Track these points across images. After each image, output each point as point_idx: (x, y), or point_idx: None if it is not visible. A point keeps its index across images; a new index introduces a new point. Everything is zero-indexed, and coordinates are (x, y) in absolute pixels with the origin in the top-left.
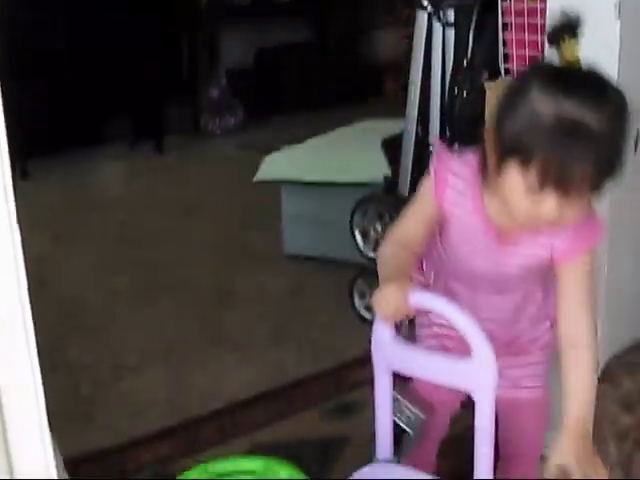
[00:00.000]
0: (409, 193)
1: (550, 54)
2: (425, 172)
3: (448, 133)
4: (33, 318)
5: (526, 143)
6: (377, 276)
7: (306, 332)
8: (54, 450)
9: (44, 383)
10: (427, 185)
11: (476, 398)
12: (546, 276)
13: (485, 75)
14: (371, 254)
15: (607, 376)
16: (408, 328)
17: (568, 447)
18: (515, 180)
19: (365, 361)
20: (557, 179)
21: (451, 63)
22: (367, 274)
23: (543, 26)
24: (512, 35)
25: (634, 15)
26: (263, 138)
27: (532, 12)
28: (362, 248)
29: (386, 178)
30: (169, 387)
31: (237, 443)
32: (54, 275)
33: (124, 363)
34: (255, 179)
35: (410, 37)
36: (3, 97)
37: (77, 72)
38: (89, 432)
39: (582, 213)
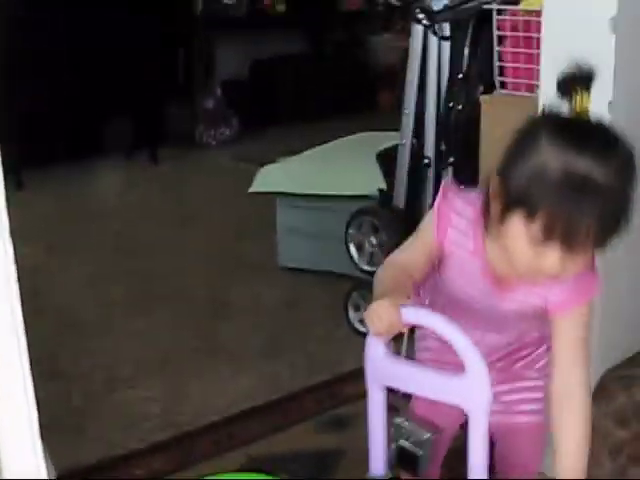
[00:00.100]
0: (404, 206)
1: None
2: (421, 189)
3: (443, 146)
4: (26, 328)
5: (532, 196)
6: (372, 290)
7: (301, 344)
8: (46, 459)
9: (37, 393)
10: (429, 220)
11: (470, 414)
12: (543, 319)
13: (480, 89)
14: (366, 267)
15: (601, 390)
16: (408, 343)
17: None
18: (518, 231)
19: (360, 374)
20: (562, 234)
21: (446, 76)
22: (362, 287)
23: (538, 40)
24: (507, 48)
25: (629, 30)
26: (258, 149)
27: (527, 26)
28: (357, 261)
29: (381, 191)
30: (163, 399)
31: (232, 456)
32: (48, 285)
33: (118, 374)
34: (250, 190)
35: (406, 49)
36: None
37: (73, 84)
38: (81, 444)
39: (583, 266)
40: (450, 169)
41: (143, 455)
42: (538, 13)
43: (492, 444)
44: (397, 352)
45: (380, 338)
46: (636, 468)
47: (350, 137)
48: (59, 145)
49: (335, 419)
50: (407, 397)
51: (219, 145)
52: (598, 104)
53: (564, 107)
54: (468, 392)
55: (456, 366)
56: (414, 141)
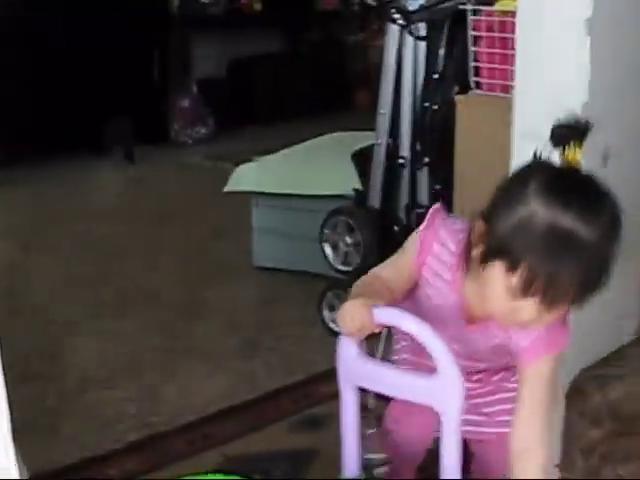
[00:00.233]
0: (380, 206)
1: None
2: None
3: (419, 146)
4: (0, 328)
5: (516, 248)
6: (347, 290)
7: (276, 344)
8: (18, 461)
9: (10, 394)
10: (412, 244)
11: (442, 415)
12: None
13: (456, 89)
14: (341, 267)
15: (575, 390)
16: (385, 344)
17: None
18: (498, 279)
19: (335, 374)
20: (542, 289)
21: (422, 76)
22: (337, 287)
23: (514, 40)
24: (483, 49)
25: (605, 31)
26: (234, 148)
27: (503, 26)
28: (332, 261)
29: (356, 190)
30: (138, 399)
31: (207, 456)
32: (24, 285)
33: (93, 375)
34: (225, 189)
35: (382, 49)
36: None
37: (47, 83)
38: (55, 445)
39: (557, 318)
40: (425, 169)
41: (118, 455)
42: (513, 14)
43: (470, 454)
44: (372, 352)
45: (352, 338)
46: (609, 468)
47: (326, 137)
48: (35, 144)
49: (309, 419)
50: (381, 398)
51: (195, 144)
52: (573, 105)
53: (554, 155)
54: (441, 393)
55: (432, 368)
56: (390, 141)
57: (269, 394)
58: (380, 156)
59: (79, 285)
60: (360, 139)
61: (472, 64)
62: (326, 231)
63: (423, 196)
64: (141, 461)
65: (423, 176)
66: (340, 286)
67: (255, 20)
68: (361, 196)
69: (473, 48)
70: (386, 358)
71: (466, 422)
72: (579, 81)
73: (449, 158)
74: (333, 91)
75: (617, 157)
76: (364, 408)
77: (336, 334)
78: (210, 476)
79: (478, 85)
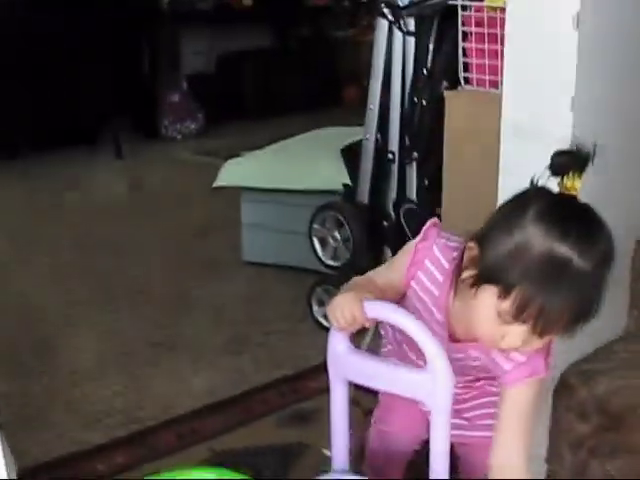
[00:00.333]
0: (368, 201)
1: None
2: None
3: (408, 142)
4: None
5: (510, 274)
6: (336, 285)
7: (265, 339)
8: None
9: None
10: (405, 256)
11: (431, 408)
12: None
13: (445, 84)
14: (330, 262)
15: (563, 385)
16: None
17: None
18: (488, 303)
19: (324, 369)
20: (535, 316)
21: (411, 72)
22: (326, 282)
23: (503, 36)
24: (472, 44)
25: (592, 26)
26: (223, 144)
27: (492, 22)
28: (321, 256)
29: (345, 186)
30: (126, 394)
31: (195, 451)
32: (10, 279)
33: (80, 369)
34: (214, 185)
35: (372, 45)
36: None
37: (34, 74)
38: (43, 440)
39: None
40: (414, 164)
41: (106, 450)
42: (502, 9)
43: (456, 457)
44: (358, 346)
45: (343, 332)
46: (597, 462)
47: (315, 132)
48: (23, 139)
49: (298, 414)
50: (370, 392)
51: (185, 139)
52: (561, 101)
53: (552, 182)
54: (430, 387)
55: (417, 366)
56: (378, 136)
57: (257, 389)
58: (369, 151)
59: (68, 280)
60: (349, 134)
61: (461, 60)
62: (315, 226)
63: (412, 191)
64: (129, 455)
65: (412, 171)
66: (329, 281)
67: (244, 16)
68: (350, 191)
69: (462, 44)
70: (371, 352)
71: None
72: (567, 76)
73: (438, 153)
74: (322, 87)
75: (604, 153)
76: (353, 402)
77: (325, 329)
78: (199, 470)
79: (467, 81)
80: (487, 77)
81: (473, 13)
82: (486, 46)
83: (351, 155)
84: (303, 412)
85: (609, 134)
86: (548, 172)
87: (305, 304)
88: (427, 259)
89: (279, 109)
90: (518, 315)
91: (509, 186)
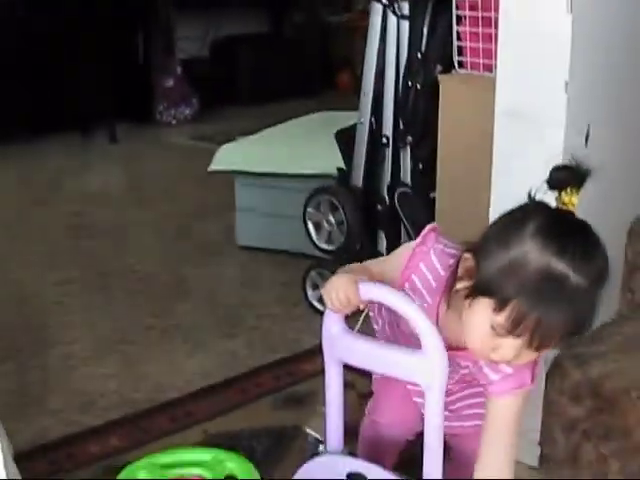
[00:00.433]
0: (362, 184)
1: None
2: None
3: (402, 125)
4: None
5: (506, 288)
6: (330, 268)
7: (259, 323)
8: (2, 438)
9: None
10: (400, 258)
11: (426, 390)
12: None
13: (439, 68)
14: (324, 245)
15: (556, 368)
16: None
17: None
18: (482, 316)
19: (318, 352)
20: (529, 331)
21: (405, 55)
22: (320, 266)
23: (497, 19)
24: (466, 28)
25: (586, 9)
26: (218, 129)
27: (486, 5)
28: (315, 239)
29: (339, 170)
30: (120, 377)
31: (190, 433)
32: (5, 263)
33: (75, 352)
34: (209, 169)
35: (367, 30)
36: None
37: (28, 58)
38: (37, 422)
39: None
40: (408, 148)
41: (100, 432)
42: None
43: (448, 447)
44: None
45: (337, 313)
46: (590, 444)
47: (309, 116)
48: (15, 124)
49: (292, 396)
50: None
51: (179, 124)
52: (554, 84)
53: (549, 196)
54: (425, 368)
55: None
56: (373, 120)
57: (252, 372)
58: (363, 135)
59: (62, 264)
60: (343, 119)
61: (455, 43)
62: (309, 210)
63: (406, 175)
64: (124, 438)
65: (406, 155)
66: (324, 265)
67: (239, 1)
68: (344, 175)
69: (456, 27)
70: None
71: None
72: (560, 60)
73: (432, 137)
74: (316, 72)
75: (597, 136)
76: (347, 385)
77: (320, 313)
78: (193, 451)
79: (461, 64)
80: (481, 61)
81: None
82: (480, 30)
83: (345, 139)
84: (298, 395)
85: (602, 118)
86: (546, 185)
87: (299, 288)
88: (423, 263)
89: (273, 94)
90: (513, 329)
91: (503, 169)
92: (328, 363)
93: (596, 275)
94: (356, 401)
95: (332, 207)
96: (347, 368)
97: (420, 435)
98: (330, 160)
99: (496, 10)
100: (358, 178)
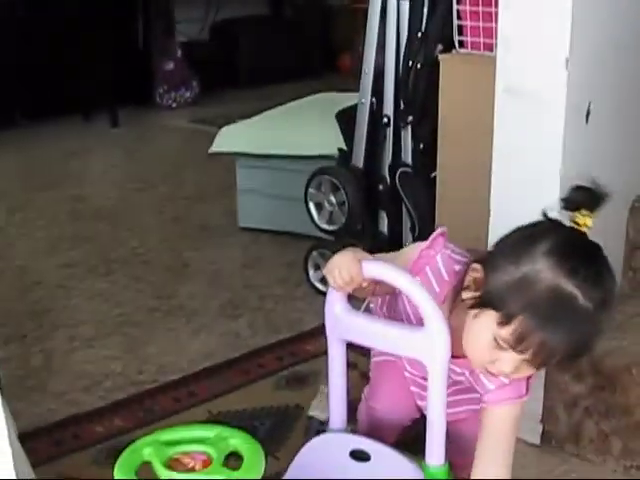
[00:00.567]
0: (363, 165)
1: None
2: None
3: (402, 105)
4: None
5: (514, 303)
6: (331, 248)
7: (261, 304)
8: (7, 420)
9: None
10: (408, 258)
11: (429, 368)
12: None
13: (439, 47)
14: (325, 226)
15: None
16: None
17: None
18: (485, 328)
19: (320, 332)
20: (532, 348)
21: (405, 35)
22: (322, 246)
23: None
24: (466, 7)
25: None
26: (218, 112)
27: None
28: (317, 220)
29: (340, 150)
30: (124, 359)
31: (193, 413)
32: (8, 247)
33: (78, 334)
34: (210, 151)
35: (367, 11)
36: None
37: (27, 42)
38: (43, 403)
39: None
40: (409, 128)
41: (105, 413)
42: None
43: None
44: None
45: (340, 291)
46: (592, 421)
47: (310, 97)
48: (15, 108)
49: (295, 376)
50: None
51: (179, 107)
52: (555, 61)
53: (563, 214)
54: (427, 345)
55: None
56: (373, 100)
57: (254, 352)
58: (364, 115)
59: (64, 247)
60: (344, 100)
61: (456, 22)
62: (311, 191)
63: (407, 155)
64: (128, 418)
65: (407, 135)
66: (325, 245)
67: None
68: (345, 156)
69: (456, 6)
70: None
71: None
72: (561, 38)
73: (433, 117)
74: (317, 55)
75: (599, 114)
76: (349, 365)
77: (322, 293)
78: (198, 427)
79: (462, 44)
80: (481, 40)
81: None
82: (480, 8)
83: (346, 119)
84: (300, 375)
85: (603, 94)
86: (561, 203)
87: (301, 269)
88: (428, 267)
89: (274, 77)
90: (516, 345)
91: (504, 148)
92: (331, 341)
93: (604, 299)
94: (359, 381)
95: (333, 187)
96: (349, 347)
97: (417, 420)
98: (331, 141)
99: None
100: (359, 158)
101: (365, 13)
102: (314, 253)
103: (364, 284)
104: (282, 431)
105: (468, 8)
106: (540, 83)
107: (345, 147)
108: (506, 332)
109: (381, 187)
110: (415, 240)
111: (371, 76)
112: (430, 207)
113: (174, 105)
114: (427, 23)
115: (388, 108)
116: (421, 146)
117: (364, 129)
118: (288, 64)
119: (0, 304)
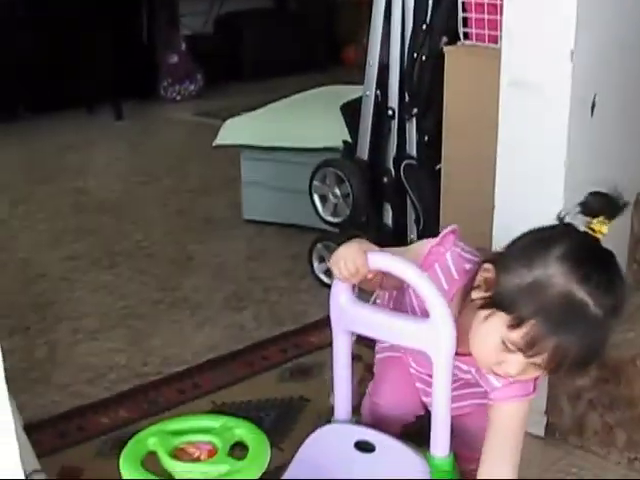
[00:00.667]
0: (368, 157)
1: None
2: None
3: (407, 97)
4: None
5: (525, 307)
6: (336, 240)
7: (265, 296)
8: (13, 412)
9: (1, 346)
10: (417, 253)
11: (434, 359)
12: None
13: (444, 40)
14: (330, 218)
15: None
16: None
17: None
18: (494, 329)
19: (325, 324)
20: (540, 352)
21: (410, 27)
22: (326, 238)
23: None
24: None
25: None
26: (223, 105)
27: None
28: (321, 212)
29: (345, 142)
30: (129, 351)
31: (197, 404)
32: (12, 239)
33: (83, 326)
34: (214, 143)
35: (371, 3)
36: None
37: (32, 35)
38: (47, 395)
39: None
40: (414, 120)
41: (109, 404)
42: None
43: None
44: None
45: (345, 283)
46: (596, 414)
47: (314, 90)
48: (20, 101)
49: (299, 368)
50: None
51: (183, 100)
52: (560, 54)
53: (578, 218)
54: (433, 337)
55: None
56: (378, 92)
57: (258, 344)
58: (369, 108)
59: (67, 239)
60: (348, 92)
61: (461, 14)
62: (315, 183)
63: (412, 147)
64: (132, 409)
65: (412, 127)
66: (330, 237)
67: None
68: (350, 148)
69: None
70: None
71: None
72: (566, 30)
73: (438, 109)
74: (322, 47)
75: (604, 106)
76: (353, 357)
77: (326, 286)
78: (203, 418)
79: (467, 36)
80: (486, 32)
81: None
82: (485, 0)
83: (351, 112)
84: (304, 367)
85: (608, 87)
86: (577, 208)
87: (305, 261)
88: (437, 264)
89: (278, 70)
90: (526, 349)
91: (509, 141)
92: (336, 332)
93: (614, 307)
94: (363, 373)
95: (338, 180)
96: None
97: (422, 417)
98: (336, 133)
99: None
100: (364, 151)
101: (370, 5)
102: (319, 245)
103: (370, 275)
104: (286, 423)
105: (473, 0)
106: (545, 76)
107: (350, 139)
108: (516, 335)
109: (386, 179)
110: (419, 233)
111: (376, 68)
112: (435, 199)
113: (178, 98)
114: (432, 15)
115: (393, 100)
116: (426, 138)
117: (369, 121)
118: (292, 57)
119: (4, 296)
